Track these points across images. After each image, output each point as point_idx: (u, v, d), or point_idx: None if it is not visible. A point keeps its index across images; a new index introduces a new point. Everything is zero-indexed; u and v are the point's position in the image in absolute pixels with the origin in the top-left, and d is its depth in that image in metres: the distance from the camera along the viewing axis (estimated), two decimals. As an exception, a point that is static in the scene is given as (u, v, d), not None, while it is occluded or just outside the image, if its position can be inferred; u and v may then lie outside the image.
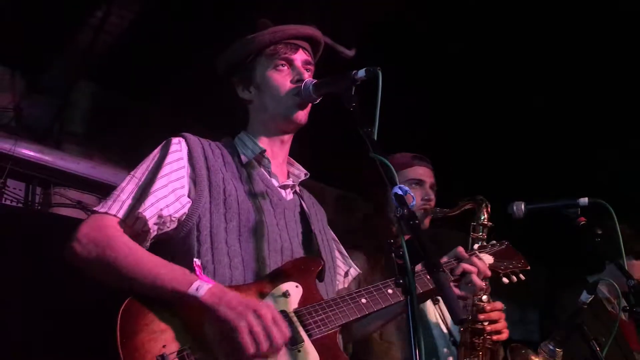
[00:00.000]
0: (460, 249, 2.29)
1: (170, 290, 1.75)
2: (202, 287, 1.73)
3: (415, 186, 2.93)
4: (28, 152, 4.03)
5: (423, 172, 2.97)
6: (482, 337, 2.46)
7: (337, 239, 2.44)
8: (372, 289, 2.03)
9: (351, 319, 1.93)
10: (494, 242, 2.56)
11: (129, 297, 1.76)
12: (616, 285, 2.51)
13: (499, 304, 2.50)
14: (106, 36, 4.04)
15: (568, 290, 3.47)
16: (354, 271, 2.44)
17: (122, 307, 1.73)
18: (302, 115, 2.18)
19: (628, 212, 2.59)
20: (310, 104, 2.18)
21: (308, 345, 1.81)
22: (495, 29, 4.03)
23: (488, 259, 2.35)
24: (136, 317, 1.72)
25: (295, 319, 1.85)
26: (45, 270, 3.28)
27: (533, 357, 2.58)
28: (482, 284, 2.23)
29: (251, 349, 1.67)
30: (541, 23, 3.99)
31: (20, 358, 3.25)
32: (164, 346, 1.69)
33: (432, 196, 2.93)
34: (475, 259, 2.24)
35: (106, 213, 1.90)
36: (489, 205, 2.70)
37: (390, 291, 2.04)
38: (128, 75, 4.30)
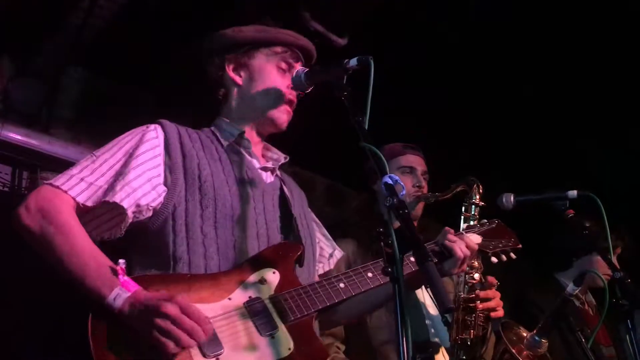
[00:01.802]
0: (448, 229, 2.28)
1: (92, 290, 1.70)
2: (120, 296, 1.67)
3: (407, 173, 2.98)
4: (15, 135, 3.98)
5: (414, 160, 3.02)
6: (474, 315, 2.50)
7: (318, 221, 2.43)
8: (351, 272, 2.02)
9: (328, 304, 1.92)
10: (485, 221, 2.56)
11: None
12: (602, 278, 2.53)
13: (491, 280, 2.53)
14: (96, 20, 3.99)
15: (536, 285, 3.52)
16: (338, 253, 2.44)
17: (90, 319, 1.68)
18: (286, 122, 2.23)
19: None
20: (293, 110, 2.22)
21: (282, 331, 1.80)
22: (489, 20, 4.04)
23: (476, 238, 2.33)
24: (105, 325, 1.68)
25: (270, 305, 1.84)
26: (31, 254, 3.25)
27: (524, 333, 2.62)
28: (467, 252, 2.18)
29: (170, 347, 1.63)
30: (533, 13, 4.00)
31: (7, 343, 3.24)
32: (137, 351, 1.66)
33: (424, 183, 2.99)
34: (463, 236, 2.23)
35: (59, 187, 1.83)
36: (481, 186, 2.75)
37: (370, 275, 2.02)
38: (118, 60, 4.26)
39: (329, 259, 2.40)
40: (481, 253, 2.36)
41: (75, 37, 4.07)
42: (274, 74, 2.21)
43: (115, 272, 1.70)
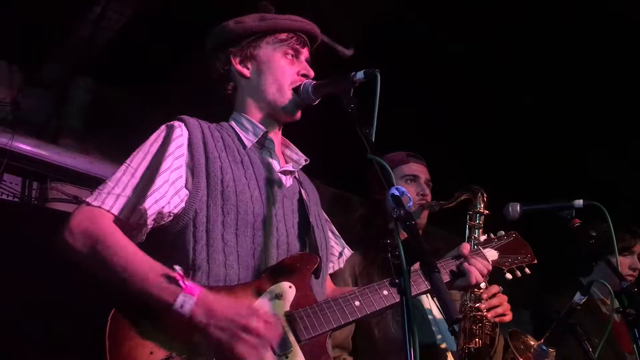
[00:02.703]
0: (464, 247, 2.28)
1: (157, 301, 1.72)
2: (186, 302, 1.69)
3: (411, 182, 2.99)
4: (25, 146, 4.02)
5: (417, 169, 3.03)
6: (480, 324, 2.51)
7: (328, 219, 2.41)
8: (366, 290, 2.01)
9: (342, 323, 1.92)
10: (502, 233, 2.54)
11: (117, 299, 1.75)
12: (609, 287, 2.53)
13: (494, 288, 2.53)
14: (104, 31, 4.03)
15: (560, 291, 3.49)
16: (347, 251, 2.42)
17: (111, 315, 1.72)
18: (299, 114, 2.19)
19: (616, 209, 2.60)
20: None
21: (296, 351, 1.81)
22: (491, 30, 4.06)
23: (492, 254, 2.33)
24: (124, 324, 1.72)
25: (285, 323, 1.84)
26: (41, 265, 3.28)
27: (531, 342, 2.62)
28: (481, 279, 2.21)
29: (252, 358, 1.68)
30: (534, 25, 4.02)
31: (15, 353, 3.25)
32: (151, 353, 1.69)
33: (427, 191, 2.99)
34: (475, 261, 2.22)
35: (100, 207, 1.84)
36: (485, 195, 2.75)
37: (385, 292, 2.00)
38: (126, 71, 4.30)
39: (338, 258, 2.38)
40: (496, 269, 2.36)
41: (84, 47, 4.11)
42: (282, 62, 2.16)
43: (174, 280, 1.72)
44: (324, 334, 1.88)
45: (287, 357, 1.78)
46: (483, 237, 2.54)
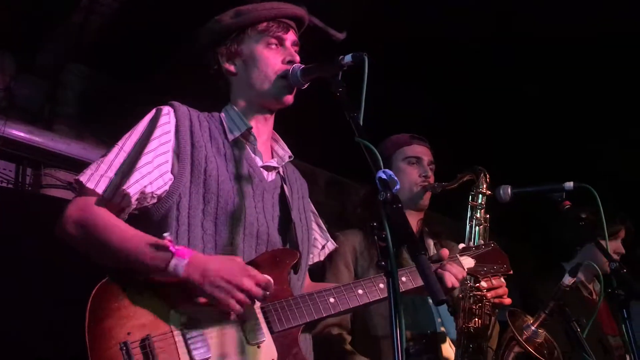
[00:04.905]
0: (443, 252, 2.29)
1: (152, 269, 1.80)
2: (178, 265, 1.77)
3: (413, 164, 2.98)
4: (18, 132, 4.01)
5: (420, 150, 3.03)
6: (480, 304, 2.53)
7: (315, 211, 2.44)
8: (342, 288, 2.06)
9: (316, 317, 1.97)
10: (481, 242, 2.59)
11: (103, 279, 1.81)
12: (598, 268, 2.55)
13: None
14: (97, 18, 4.02)
15: (543, 277, 3.53)
16: (331, 245, 2.47)
17: (94, 291, 1.77)
18: (290, 98, 2.20)
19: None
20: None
21: (268, 341, 1.86)
22: (493, 14, 4.06)
23: (469, 262, 2.37)
24: (107, 302, 1.77)
25: (260, 314, 1.89)
26: (35, 250, 3.29)
27: (530, 321, 2.64)
28: (456, 284, 2.23)
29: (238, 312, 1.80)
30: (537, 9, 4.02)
31: (8, 338, 3.27)
32: (128, 333, 1.74)
33: (430, 173, 2.99)
34: (449, 266, 2.23)
35: (93, 190, 1.90)
36: (488, 175, 2.76)
37: (360, 292, 2.05)
38: (119, 57, 4.29)
39: (320, 250, 2.43)
40: (471, 276, 2.41)
41: (76, 34, 4.09)
42: (265, 53, 2.17)
43: (165, 247, 1.79)
44: (297, 327, 1.93)
45: (259, 347, 1.84)
46: (462, 245, 2.55)
